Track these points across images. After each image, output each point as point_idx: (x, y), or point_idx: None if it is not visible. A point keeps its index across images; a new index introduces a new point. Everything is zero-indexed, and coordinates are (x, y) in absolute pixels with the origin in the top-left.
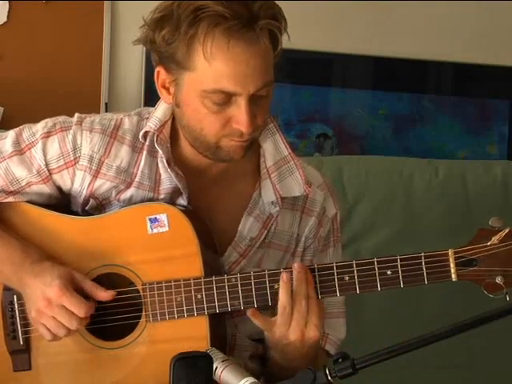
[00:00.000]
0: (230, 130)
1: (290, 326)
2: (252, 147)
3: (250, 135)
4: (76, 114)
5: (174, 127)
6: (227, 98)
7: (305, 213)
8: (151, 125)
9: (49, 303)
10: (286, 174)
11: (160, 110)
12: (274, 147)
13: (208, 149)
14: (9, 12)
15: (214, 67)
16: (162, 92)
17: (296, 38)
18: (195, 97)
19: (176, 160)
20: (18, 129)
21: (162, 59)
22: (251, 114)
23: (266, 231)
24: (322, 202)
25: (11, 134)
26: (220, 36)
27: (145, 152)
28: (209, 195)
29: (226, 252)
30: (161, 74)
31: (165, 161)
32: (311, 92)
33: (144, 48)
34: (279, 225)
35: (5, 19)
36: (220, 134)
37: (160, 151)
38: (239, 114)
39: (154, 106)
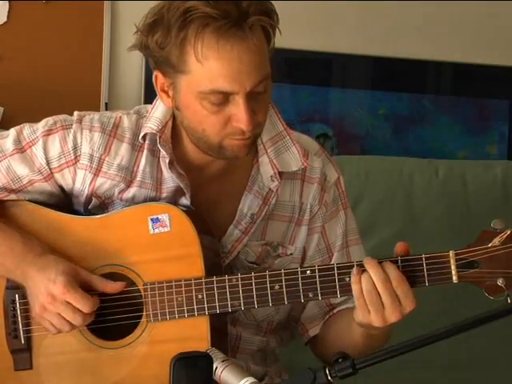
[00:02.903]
0: (232, 129)
1: (370, 312)
2: (256, 143)
3: (251, 132)
4: (75, 112)
5: (174, 125)
6: (225, 98)
7: (306, 181)
8: (152, 126)
9: (53, 299)
10: (282, 149)
11: (159, 110)
12: (269, 122)
13: (211, 149)
14: (9, 12)
15: (208, 68)
16: (161, 96)
17: (295, 37)
18: (193, 99)
19: (178, 158)
20: (18, 127)
21: (157, 64)
22: (250, 112)
23: (266, 206)
24: (321, 168)
25: (12, 133)
26: (210, 36)
27: (145, 151)
28: (210, 189)
29: (228, 231)
30: (159, 78)
31: (167, 162)
32: (311, 92)
33: None
34: (280, 196)
35: (5, 19)
36: (222, 134)
37: (164, 152)
38: (238, 112)
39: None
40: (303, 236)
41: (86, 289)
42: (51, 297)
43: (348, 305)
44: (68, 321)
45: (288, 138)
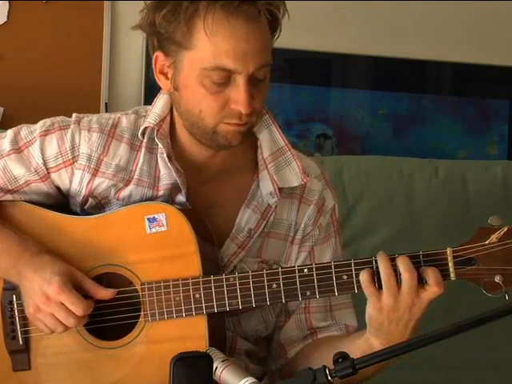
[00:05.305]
0: (229, 112)
1: (400, 294)
2: (249, 134)
3: (248, 117)
4: (74, 114)
5: (172, 122)
6: (226, 77)
7: (302, 202)
8: (151, 120)
9: (47, 299)
10: (282, 164)
11: (158, 106)
12: (270, 138)
13: (205, 134)
14: (9, 12)
15: (215, 43)
16: (159, 78)
17: (295, 37)
18: (194, 77)
19: (175, 156)
20: (16, 128)
21: (161, 42)
22: (250, 95)
23: (264, 222)
24: (320, 192)
25: (9, 133)
26: (221, 11)
27: (143, 149)
28: (208, 190)
29: (224, 245)
30: (159, 59)
31: (165, 155)
32: (311, 92)
33: (144, 48)
34: (277, 214)
35: (5, 19)
36: (218, 116)
37: (160, 145)
38: (238, 93)
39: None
40: (295, 255)
41: (81, 291)
42: (45, 297)
43: (332, 332)
44: (61, 322)
45: (289, 153)
